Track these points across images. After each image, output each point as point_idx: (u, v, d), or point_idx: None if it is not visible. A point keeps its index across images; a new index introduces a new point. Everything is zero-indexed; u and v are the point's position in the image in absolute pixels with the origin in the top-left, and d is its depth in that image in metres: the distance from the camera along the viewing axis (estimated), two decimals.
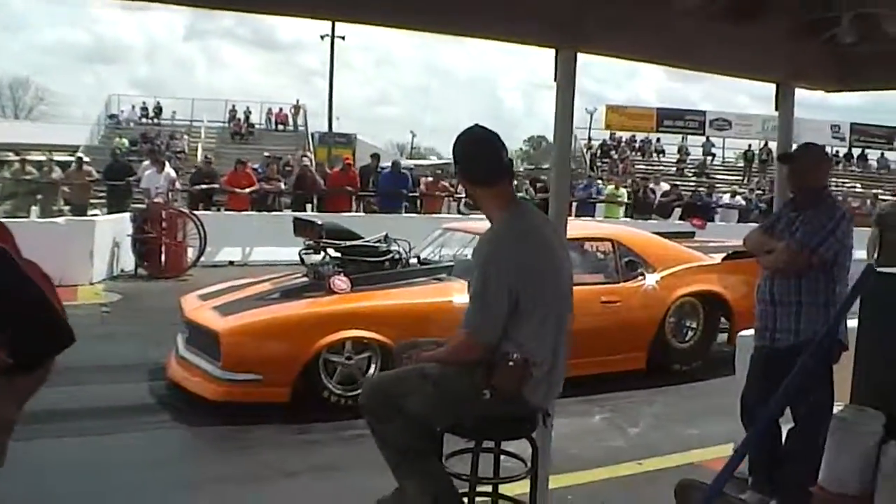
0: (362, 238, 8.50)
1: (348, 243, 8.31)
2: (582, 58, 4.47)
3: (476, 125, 3.94)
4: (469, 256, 8.65)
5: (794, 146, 5.61)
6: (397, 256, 8.40)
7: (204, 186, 18.66)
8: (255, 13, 7.35)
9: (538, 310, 3.69)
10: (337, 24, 35.58)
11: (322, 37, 46.00)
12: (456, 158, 3.95)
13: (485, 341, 3.64)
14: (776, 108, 5.69)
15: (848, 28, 5.44)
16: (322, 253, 8.36)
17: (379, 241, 8.43)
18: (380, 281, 7.98)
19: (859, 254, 6.35)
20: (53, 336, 2.08)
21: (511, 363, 3.62)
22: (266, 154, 21.97)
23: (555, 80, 4.47)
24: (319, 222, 8.60)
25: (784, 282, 4.83)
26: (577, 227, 9.49)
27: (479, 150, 3.90)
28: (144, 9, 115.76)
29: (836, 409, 4.96)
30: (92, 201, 19.44)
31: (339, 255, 8.26)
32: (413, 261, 8.51)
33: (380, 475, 5.68)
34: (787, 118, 5.70)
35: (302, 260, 8.60)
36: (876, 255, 8.40)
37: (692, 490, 3.18)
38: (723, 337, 9.46)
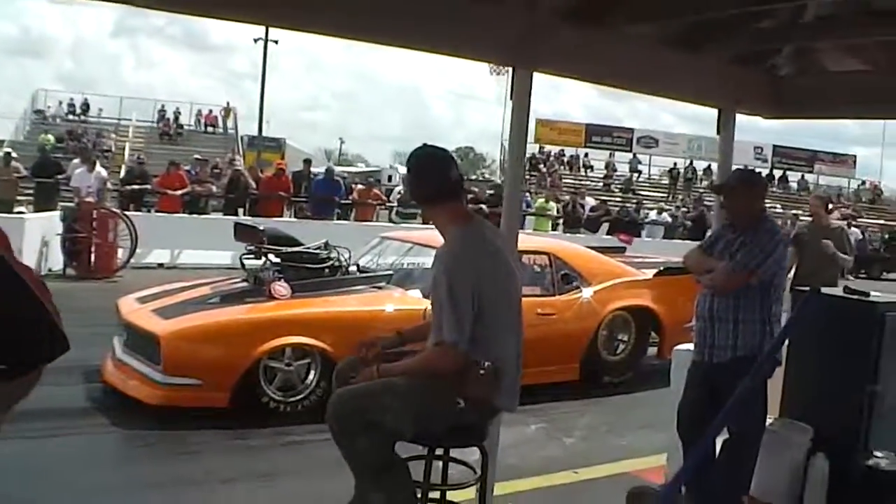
0: (303, 245, 8.51)
1: (289, 249, 8.32)
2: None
3: (425, 144, 4.05)
4: (405, 265, 8.79)
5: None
6: (337, 264, 8.41)
7: (136, 187, 18.43)
8: (203, 16, 7.25)
9: (500, 317, 3.81)
10: (271, 28, 35.13)
11: (255, 40, 45.73)
12: (408, 178, 4.05)
13: (464, 349, 3.70)
14: (717, 132, 5.90)
15: (786, 60, 5.70)
16: (263, 258, 8.35)
17: (319, 248, 8.44)
18: (320, 288, 8.00)
19: None
20: (49, 343, 2.11)
21: (482, 371, 3.72)
22: (197, 157, 21.66)
23: (510, 98, 4.60)
24: (261, 227, 8.59)
25: (723, 300, 4.98)
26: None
27: (428, 169, 3.98)
28: (72, 2, 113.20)
29: (767, 423, 5.16)
30: (18, 198, 19.03)
31: (279, 260, 8.26)
32: (352, 269, 8.53)
33: (320, 481, 5.80)
34: (728, 142, 5.92)
35: (243, 265, 8.57)
36: (793, 274, 8.67)
37: (644, 497, 3.30)
38: (653, 350, 9.70)
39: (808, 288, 5.45)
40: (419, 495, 3.97)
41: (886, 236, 32.48)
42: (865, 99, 5.49)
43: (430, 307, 7.19)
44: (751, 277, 4.85)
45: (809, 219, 10.60)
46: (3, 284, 2.03)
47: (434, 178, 3.94)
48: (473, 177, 64.22)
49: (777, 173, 47.83)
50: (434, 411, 3.76)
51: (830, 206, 7.26)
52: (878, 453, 4.94)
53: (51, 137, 35.76)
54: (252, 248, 8.52)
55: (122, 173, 23.02)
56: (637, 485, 5.08)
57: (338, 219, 19.76)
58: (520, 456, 6.42)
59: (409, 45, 4.72)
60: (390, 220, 20.97)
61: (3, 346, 1.99)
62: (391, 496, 3.76)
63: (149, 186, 18.65)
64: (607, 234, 22.21)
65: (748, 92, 5.80)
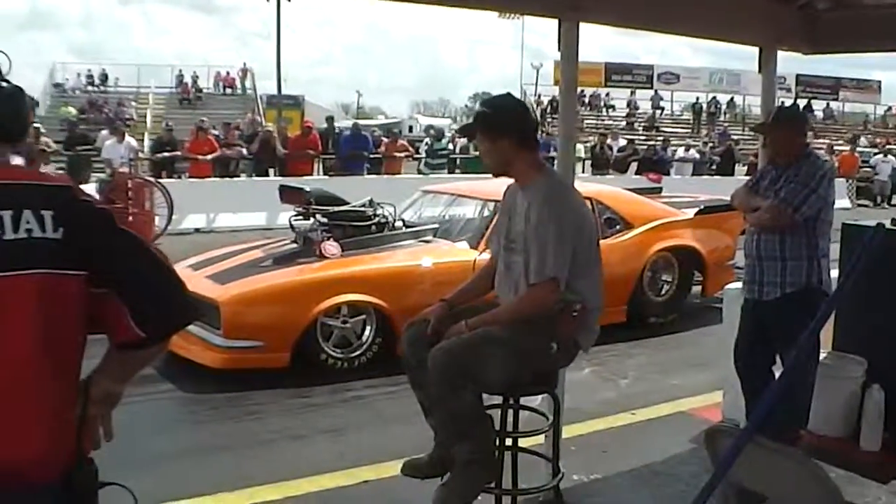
0: (348, 203, 8.62)
1: (336, 209, 8.44)
2: None
3: (508, 93, 4.20)
4: (449, 217, 8.89)
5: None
6: (383, 220, 8.54)
7: (166, 154, 18.56)
8: None
9: (592, 259, 3.99)
10: None
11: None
12: (510, 120, 4.02)
13: (557, 274, 3.81)
14: (759, 71, 5.93)
15: None
16: (311, 219, 8.47)
17: (364, 205, 8.56)
18: (368, 245, 8.13)
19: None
20: (183, 310, 2.23)
21: (574, 314, 3.88)
22: (227, 122, 21.73)
23: (558, 49, 4.66)
24: (307, 189, 8.69)
25: (769, 238, 5.04)
26: None
27: (527, 115, 4.14)
28: None
29: (820, 357, 5.23)
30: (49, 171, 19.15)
31: (326, 220, 8.38)
32: (398, 224, 8.65)
33: (383, 435, 5.95)
34: (770, 79, 5.95)
35: (292, 226, 8.69)
36: None
37: (721, 435, 3.40)
38: (697, 290, 9.80)
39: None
40: (496, 442, 4.10)
41: None
42: None
43: (479, 258, 7.37)
44: (796, 214, 4.90)
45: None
46: (141, 257, 2.14)
47: (531, 123, 4.14)
48: None
49: (801, 102, 47.28)
50: (532, 357, 3.88)
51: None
52: None
53: (72, 110, 35.91)
54: (300, 209, 8.64)
55: (147, 141, 23.17)
56: (715, 425, 5.19)
57: (367, 173, 19.81)
58: (577, 400, 6.49)
59: (461, 3, 4.79)
60: (419, 172, 20.97)
61: (144, 316, 2.09)
62: (482, 446, 3.86)
63: (179, 153, 18.76)
64: (636, 173, 22.14)
65: (788, 29, 5.84)
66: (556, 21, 4.68)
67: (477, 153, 21.50)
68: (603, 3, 4.68)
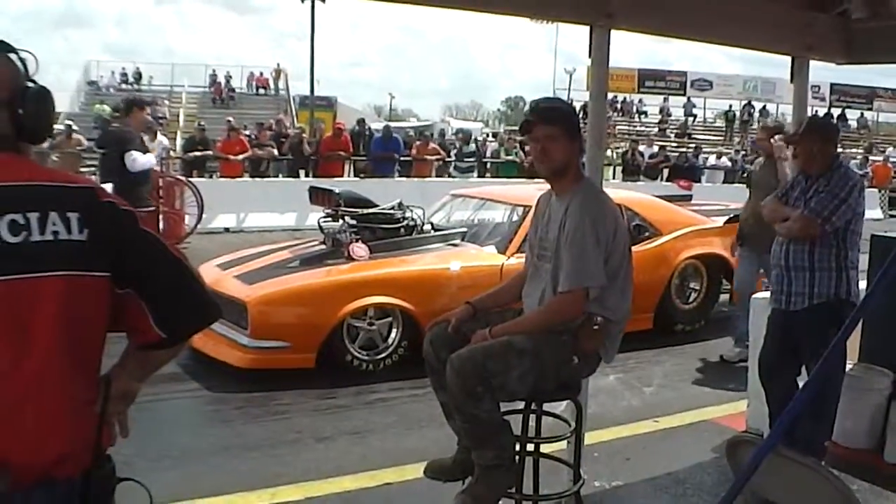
0: (377, 205, 8.66)
1: (365, 211, 8.48)
2: None
3: (556, 97, 4.23)
4: (477, 221, 8.91)
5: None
6: (412, 223, 8.58)
7: (197, 154, 18.69)
8: None
9: (623, 270, 3.96)
10: None
11: (303, 0, 45.59)
12: (572, 124, 4.03)
13: (590, 284, 3.80)
14: (791, 80, 5.90)
15: (858, 4, 5.67)
16: (340, 220, 8.51)
17: (393, 207, 8.60)
18: (397, 247, 8.17)
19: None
20: (204, 310, 2.26)
21: (596, 327, 3.86)
22: (260, 122, 21.89)
23: (589, 56, 4.67)
24: (337, 190, 8.74)
25: (798, 248, 5.03)
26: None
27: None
28: None
29: (847, 368, 5.21)
30: (81, 170, 19.34)
31: (355, 222, 8.42)
32: (426, 227, 8.67)
33: (409, 437, 5.97)
34: (802, 89, 5.93)
35: (321, 227, 8.75)
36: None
37: (744, 445, 3.40)
38: (724, 298, 9.75)
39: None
40: (519, 447, 4.11)
41: None
42: None
43: (507, 263, 7.39)
44: (825, 224, 4.88)
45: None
46: (163, 258, 2.18)
47: (581, 133, 4.12)
48: None
49: (835, 112, 46.97)
50: (554, 368, 3.87)
51: (779, 136, 7.01)
52: None
53: (106, 107, 36.13)
54: (329, 210, 8.69)
55: (179, 140, 23.28)
56: (735, 435, 5.17)
57: (398, 176, 19.87)
58: (601, 406, 6.52)
59: (480, 6, 4.80)
60: (449, 175, 21.00)
61: (165, 317, 2.13)
62: (501, 453, 3.83)
63: (210, 152, 18.88)
64: (666, 180, 22.09)
65: (820, 38, 5.80)
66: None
67: (509, 158, 21.66)
68: (635, 11, 4.67)
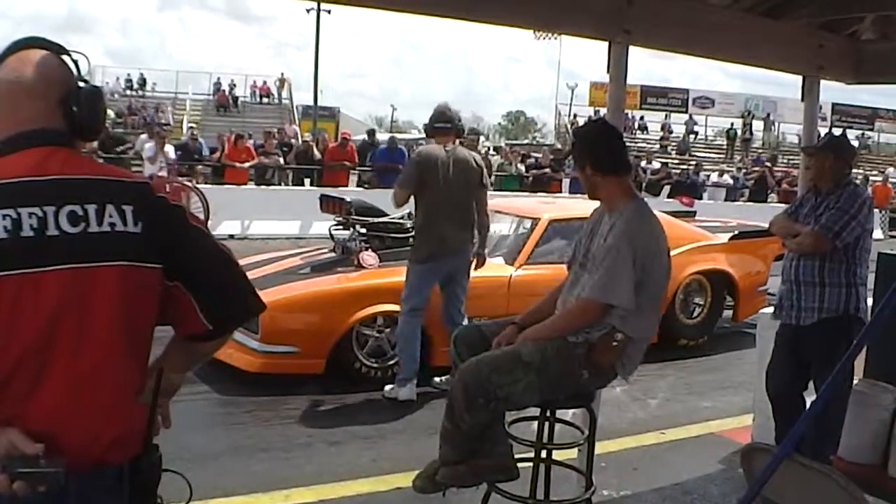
0: (387, 215, 8.75)
1: (375, 220, 8.58)
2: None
3: (599, 118, 4.33)
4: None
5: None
6: None
7: (198, 162, 18.90)
8: None
9: (657, 292, 4.02)
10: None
11: (308, 10, 45.80)
12: (585, 149, 4.19)
13: (615, 302, 3.85)
14: (802, 99, 6.00)
15: (869, 25, 5.78)
16: (350, 229, 8.59)
17: (403, 217, 8.68)
18: (406, 257, 8.22)
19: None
20: (247, 304, 2.33)
21: (615, 343, 3.91)
22: (267, 131, 21.97)
23: (607, 72, 4.77)
24: (348, 199, 8.82)
25: (808, 263, 5.10)
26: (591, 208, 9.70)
27: (611, 142, 4.23)
28: None
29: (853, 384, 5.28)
30: None
31: (365, 231, 8.51)
32: None
33: (419, 443, 6.03)
34: (812, 108, 6.03)
35: (331, 235, 8.84)
36: None
37: (758, 453, 3.47)
38: (728, 314, 9.84)
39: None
40: (533, 454, 4.16)
41: None
42: None
43: (514, 274, 7.47)
44: (836, 240, 4.95)
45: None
46: (210, 252, 2.25)
47: (615, 151, 4.21)
48: (525, 141, 64.06)
49: (836, 131, 46.94)
50: (560, 381, 3.92)
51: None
52: None
53: (110, 113, 36.26)
54: (340, 218, 8.77)
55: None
56: (752, 443, 5.25)
57: None
58: (607, 417, 6.54)
59: (500, 20, 4.88)
60: None
61: (211, 309, 2.19)
62: (462, 455, 3.93)
63: (202, 162, 19.13)
64: (668, 197, 22.18)
65: (831, 58, 5.91)
66: (595, 44, 4.80)
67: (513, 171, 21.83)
68: (653, 28, 4.78)
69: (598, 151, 4.16)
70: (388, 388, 7.18)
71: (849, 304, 5.02)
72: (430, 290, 7.13)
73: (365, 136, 22.59)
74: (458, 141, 7.30)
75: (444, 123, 7.22)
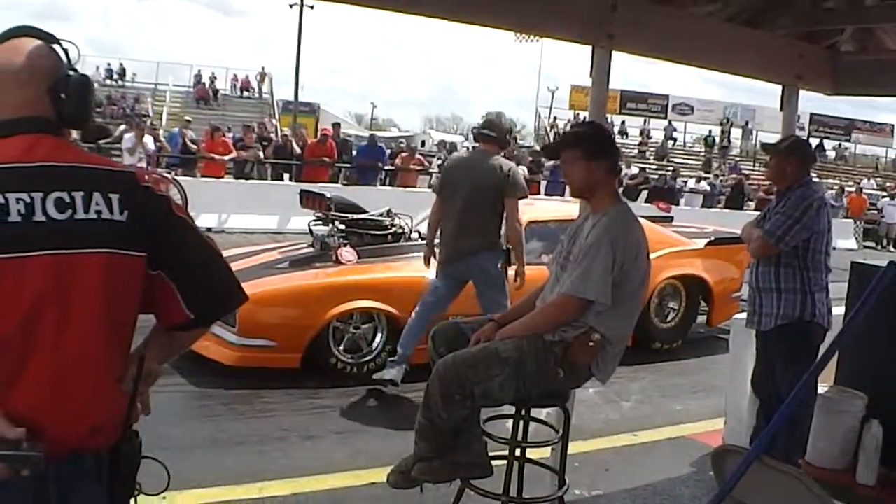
0: (367, 212, 8.78)
1: (354, 216, 8.61)
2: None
3: (595, 122, 4.51)
4: None
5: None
6: (400, 231, 8.71)
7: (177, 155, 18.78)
8: None
9: (635, 294, 4.04)
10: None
11: (291, 6, 45.62)
12: (604, 145, 4.23)
13: (591, 297, 3.86)
14: (780, 108, 6.06)
15: (848, 38, 5.87)
16: (330, 225, 8.62)
17: (382, 214, 8.71)
18: (384, 253, 8.28)
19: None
20: (230, 294, 2.36)
21: (591, 343, 3.92)
22: (246, 125, 21.93)
23: (590, 76, 4.82)
24: (328, 195, 8.85)
25: (765, 269, 5.16)
26: (570, 211, 9.77)
27: (616, 145, 4.36)
28: None
29: (821, 389, 5.34)
30: None
31: (344, 227, 8.53)
32: (414, 235, 8.78)
33: (393, 439, 6.06)
34: (791, 117, 6.09)
35: (311, 231, 8.86)
36: None
37: (729, 454, 3.52)
38: (702, 319, 9.93)
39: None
40: (507, 453, 4.22)
41: None
42: None
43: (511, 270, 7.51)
44: (779, 244, 4.99)
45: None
46: (194, 242, 2.26)
47: (612, 153, 4.23)
48: None
49: (814, 142, 47.33)
50: (535, 378, 3.94)
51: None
52: None
53: None
54: (319, 214, 8.80)
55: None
56: (723, 445, 5.29)
57: (381, 184, 19.95)
58: (580, 418, 6.57)
59: (485, 21, 4.90)
60: (430, 187, 21.09)
61: (194, 299, 2.21)
62: (437, 450, 3.96)
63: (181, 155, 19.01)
64: (645, 201, 22.28)
65: (810, 68, 5.97)
66: (575, 48, 4.85)
67: None
68: (636, 33, 4.82)
69: (617, 153, 4.27)
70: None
71: (804, 310, 5.04)
72: (445, 290, 7.20)
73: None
74: (502, 153, 7.39)
75: (487, 131, 7.32)
